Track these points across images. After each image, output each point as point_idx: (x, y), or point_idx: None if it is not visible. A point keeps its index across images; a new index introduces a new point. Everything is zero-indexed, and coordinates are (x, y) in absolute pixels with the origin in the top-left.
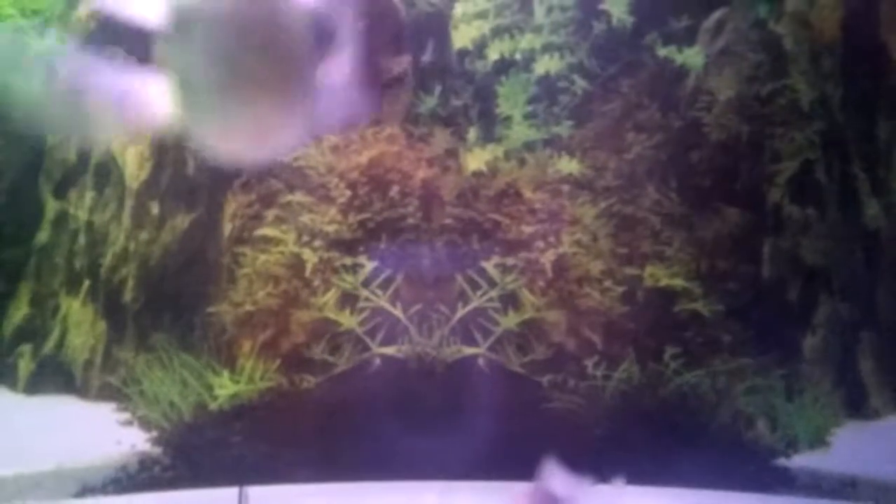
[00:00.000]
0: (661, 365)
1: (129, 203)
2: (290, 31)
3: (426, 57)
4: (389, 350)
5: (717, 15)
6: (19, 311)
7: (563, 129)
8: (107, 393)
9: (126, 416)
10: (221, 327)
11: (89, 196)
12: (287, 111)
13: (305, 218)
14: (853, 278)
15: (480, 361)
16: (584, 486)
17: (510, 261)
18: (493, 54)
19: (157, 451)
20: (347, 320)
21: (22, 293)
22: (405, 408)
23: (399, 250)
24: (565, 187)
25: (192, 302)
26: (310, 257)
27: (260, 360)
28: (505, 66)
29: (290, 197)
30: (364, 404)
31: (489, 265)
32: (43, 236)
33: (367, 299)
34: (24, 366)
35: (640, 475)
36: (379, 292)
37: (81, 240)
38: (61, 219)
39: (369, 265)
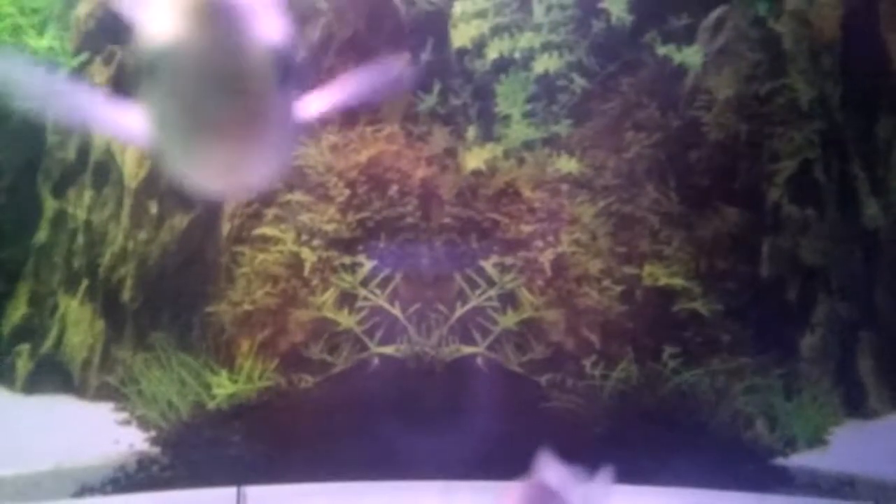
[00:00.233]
0: (660, 364)
1: (127, 202)
2: (254, 70)
3: (425, 56)
4: (388, 349)
5: (716, 13)
6: (17, 311)
7: (562, 127)
8: (105, 392)
9: (124, 415)
10: (220, 327)
11: (88, 195)
12: (253, 149)
13: (304, 217)
14: (852, 278)
15: (479, 361)
16: (578, 480)
17: (509, 260)
18: (492, 53)
19: (156, 450)
20: (346, 320)
21: (20, 292)
22: (404, 407)
23: (398, 249)
24: (564, 186)
25: (191, 301)
26: (308, 256)
27: (258, 360)
28: (504, 65)
29: (288, 196)
30: (363, 404)
31: (488, 264)
32: (41, 235)
33: (365, 298)
34: (23, 365)
35: (639, 474)
36: (377, 291)
37: (80, 239)
38: (60, 218)
39: (368, 264)
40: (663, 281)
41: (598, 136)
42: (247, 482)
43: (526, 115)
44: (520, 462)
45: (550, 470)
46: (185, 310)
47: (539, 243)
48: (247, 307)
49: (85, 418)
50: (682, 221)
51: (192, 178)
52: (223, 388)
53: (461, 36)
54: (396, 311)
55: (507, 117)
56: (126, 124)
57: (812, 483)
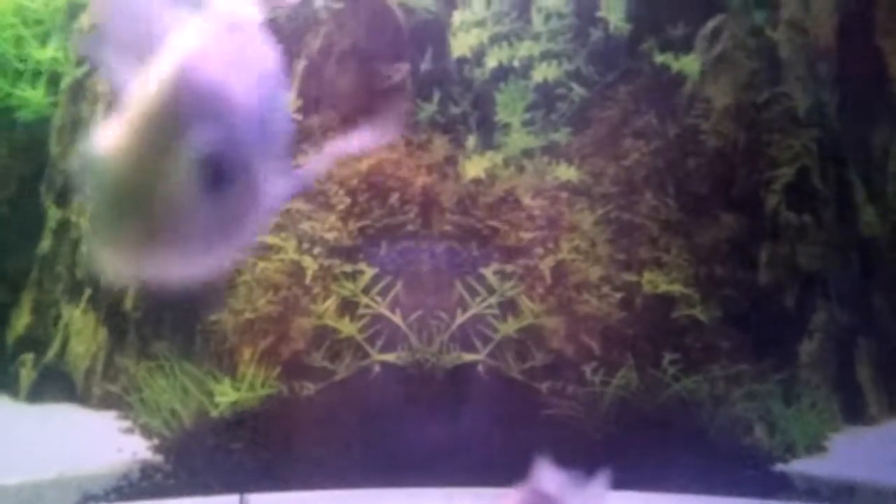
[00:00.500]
0: (660, 371)
1: None
2: (167, 181)
3: (425, 65)
4: (389, 357)
5: (713, 22)
6: (21, 320)
7: (562, 136)
8: (108, 401)
9: (127, 423)
10: (222, 335)
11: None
12: (162, 251)
13: (305, 225)
14: (850, 284)
15: (480, 368)
16: (574, 485)
17: (509, 267)
18: (492, 62)
19: (159, 458)
20: (347, 327)
21: (24, 302)
22: (405, 414)
23: (398, 257)
24: (563, 194)
25: (193, 310)
26: (310, 264)
27: (260, 368)
28: (503, 74)
29: (289, 204)
30: (364, 411)
31: (488, 272)
32: (45, 245)
33: (366, 306)
34: (26, 374)
35: (639, 480)
36: (378, 299)
37: (83, 248)
38: (63, 227)
39: (369, 272)
40: (662, 288)
41: (597, 143)
42: (249, 490)
43: (525, 123)
44: (521, 469)
45: (547, 475)
46: (188, 318)
47: (539, 251)
48: (249, 315)
49: (88, 427)
50: (681, 228)
51: (115, 268)
52: (226, 396)
53: (461, 45)
54: (397, 318)
55: (506, 126)
56: None
57: (811, 489)
